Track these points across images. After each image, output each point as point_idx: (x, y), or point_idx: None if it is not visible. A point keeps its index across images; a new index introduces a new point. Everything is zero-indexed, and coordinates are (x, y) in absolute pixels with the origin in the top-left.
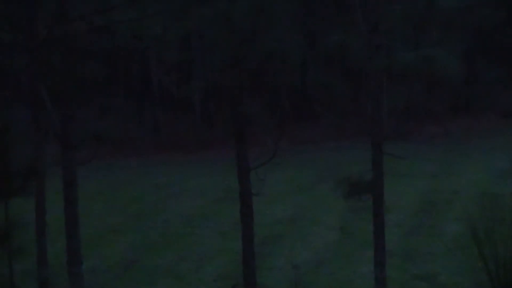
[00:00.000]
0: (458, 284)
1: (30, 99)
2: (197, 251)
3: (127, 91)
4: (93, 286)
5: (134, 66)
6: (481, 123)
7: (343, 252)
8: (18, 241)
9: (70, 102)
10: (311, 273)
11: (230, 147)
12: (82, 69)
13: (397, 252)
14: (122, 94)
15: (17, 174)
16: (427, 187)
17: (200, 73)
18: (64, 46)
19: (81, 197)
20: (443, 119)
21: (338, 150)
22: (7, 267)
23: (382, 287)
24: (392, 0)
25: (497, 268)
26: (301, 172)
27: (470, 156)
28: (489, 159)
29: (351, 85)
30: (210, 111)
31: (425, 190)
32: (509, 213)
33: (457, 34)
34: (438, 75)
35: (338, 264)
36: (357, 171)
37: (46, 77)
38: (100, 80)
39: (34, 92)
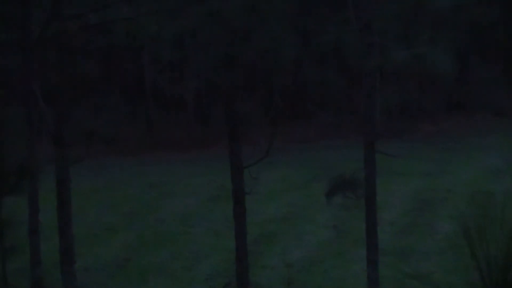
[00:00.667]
0: (451, 283)
1: (24, 98)
2: (190, 249)
3: (121, 90)
4: (86, 284)
5: (128, 65)
6: (474, 122)
7: (336, 250)
8: (11, 240)
9: (63, 100)
10: (304, 272)
11: (223, 146)
12: (76, 68)
13: (390, 250)
14: (115, 93)
15: (10, 173)
16: (420, 185)
17: (193, 71)
18: (58, 45)
19: (74, 195)
20: (436, 118)
21: (332, 149)
22: None
23: (375, 286)
24: None
25: (489, 266)
26: (295, 170)
27: (463, 155)
28: (483, 157)
29: (344, 84)
30: (204, 110)
31: (419, 188)
32: (502, 212)
33: (450, 33)
34: (431, 73)
35: (331, 262)
36: (350, 169)
37: (39, 76)
38: (94, 79)
39: (27, 90)
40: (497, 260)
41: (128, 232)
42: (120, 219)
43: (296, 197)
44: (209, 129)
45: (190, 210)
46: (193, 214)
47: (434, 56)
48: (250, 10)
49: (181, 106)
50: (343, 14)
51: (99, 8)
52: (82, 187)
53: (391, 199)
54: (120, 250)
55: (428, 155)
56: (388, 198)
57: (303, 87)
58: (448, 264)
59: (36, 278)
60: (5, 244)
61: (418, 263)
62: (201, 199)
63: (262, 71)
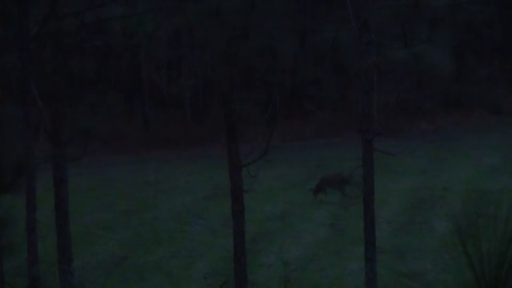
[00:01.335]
0: (448, 281)
1: (20, 96)
2: (187, 248)
3: (118, 88)
4: (83, 283)
5: (125, 63)
6: (471, 120)
7: (333, 248)
8: (8, 238)
9: (60, 99)
10: (301, 270)
11: (220, 144)
12: (73, 66)
13: (387, 249)
14: (112, 91)
15: (7, 171)
16: (417, 183)
17: (190, 70)
18: (55, 43)
19: (71, 194)
20: (433, 116)
21: (329, 147)
22: None
23: (372, 284)
24: None
25: (481, 264)
26: (292, 168)
27: (460, 153)
28: (480, 155)
29: (342, 82)
30: (201, 108)
31: (415, 186)
32: (499, 210)
33: (448, 31)
34: (428, 72)
35: (328, 260)
36: (347, 167)
37: (36, 74)
38: (90, 77)
39: (24, 88)
40: (490, 258)
41: (125, 231)
42: (117, 217)
43: (294, 195)
44: (206, 127)
45: (187, 208)
46: (190, 212)
47: (431, 55)
48: (248, 9)
49: (178, 104)
50: (341, 13)
51: (96, 6)
52: (79, 185)
53: (388, 197)
54: (117, 248)
55: (425, 153)
56: (385, 196)
57: (300, 85)
58: (445, 263)
59: (33, 277)
60: (2, 242)
61: (415, 262)
62: (198, 197)
63: (259, 69)
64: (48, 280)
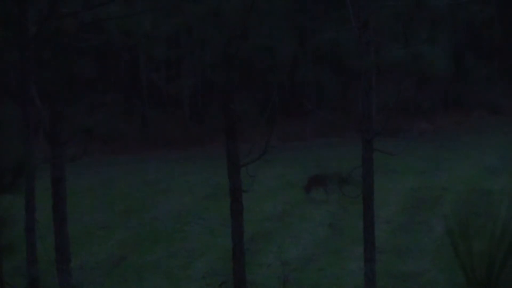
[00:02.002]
0: (447, 281)
1: (19, 96)
2: (186, 247)
3: (117, 88)
4: (82, 283)
5: (124, 63)
6: (470, 120)
7: (332, 248)
8: (6, 238)
9: (59, 99)
10: (300, 270)
11: (219, 144)
12: (72, 66)
13: (386, 249)
14: (111, 91)
15: (6, 171)
16: (416, 183)
17: (189, 70)
18: (54, 43)
19: (70, 193)
20: (432, 116)
21: (328, 147)
22: None
23: (371, 283)
24: None
25: (473, 265)
26: (291, 168)
27: (459, 152)
28: (479, 155)
29: (341, 82)
30: (200, 108)
31: (415, 186)
32: (498, 210)
33: (447, 31)
34: (428, 72)
35: (327, 260)
36: (346, 167)
37: (35, 74)
38: (89, 77)
39: (23, 88)
40: (482, 258)
41: (123, 230)
42: (116, 217)
43: (293, 195)
44: (205, 127)
45: (186, 208)
46: (189, 212)
47: (431, 55)
48: (247, 9)
49: (178, 104)
50: (341, 13)
51: (95, 6)
52: (78, 185)
53: (387, 197)
54: (116, 248)
55: (424, 153)
56: (384, 196)
57: (300, 85)
58: (444, 262)
59: (32, 277)
60: (1, 242)
61: (414, 261)
62: (197, 197)
63: (259, 69)
64: (47, 280)
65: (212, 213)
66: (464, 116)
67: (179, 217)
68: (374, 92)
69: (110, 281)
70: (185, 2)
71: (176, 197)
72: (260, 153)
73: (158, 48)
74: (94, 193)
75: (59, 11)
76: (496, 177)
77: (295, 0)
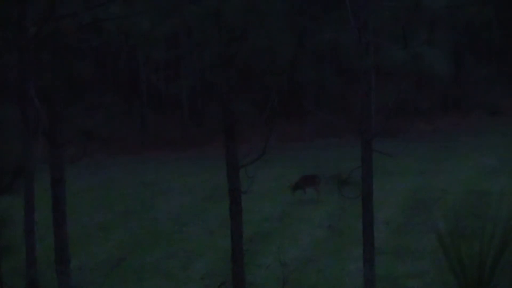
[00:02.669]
0: (446, 282)
1: (19, 97)
2: (185, 248)
3: (115, 89)
4: (80, 284)
5: (123, 64)
6: (469, 121)
7: (331, 249)
8: (6, 239)
9: (58, 99)
10: (299, 271)
11: (218, 145)
12: (71, 67)
13: (385, 249)
14: (110, 92)
15: (6, 172)
16: (415, 184)
17: (188, 70)
18: (53, 44)
19: (69, 195)
20: (432, 117)
21: (327, 148)
22: None
23: (370, 284)
24: None
25: (462, 267)
26: (290, 169)
27: (458, 154)
28: (478, 156)
29: (340, 83)
30: (199, 109)
31: (414, 187)
32: (496, 210)
33: (446, 32)
34: (427, 73)
35: (326, 261)
36: (346, 168)
37: (34, 75)
38: (88, 78)
39: (22, 89)
40: (472, 260)
41: (122, 231)
42: (114, 218)
43: (291, 196)
44: (204, 128)
45: (185, 209)
46: (188, 213)
47: (430, 56)
48: (247, 10)
49: (177, 105)
50: (340, 14)
51: (94, 7)
52: (77, 186)
53: (386, 198)
54: (115, 249)
55: (423, 154)
56: (383, 197)
57: (299, 86)
58: (443, 263)
59: (31, 278)
60: (0, 243)
61: (413, 262)
62: (196, 198)
63: (258, 70)
64: (46, 281)
65: (211, 214)
66: (463, 117)
67: (178, 218)
68: (374, 93)
69: (109, 282)
70: (184, 3)
71: (175, 198)
72: (259, 154)
73: (157, 48)
74: (93, 194)
75: (58, 12)
76: (495, 178)
77: (294, 1)
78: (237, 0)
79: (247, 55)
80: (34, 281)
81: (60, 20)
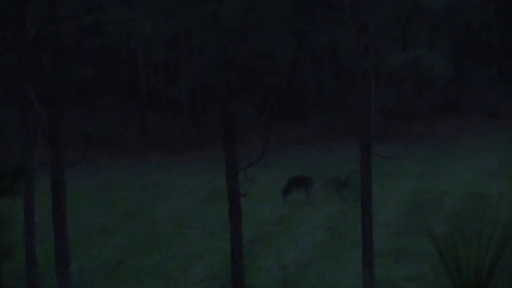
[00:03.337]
0: (446, 285)
1: (18, 99)
2: (184, 251)
3: (115, 91)
4: (80, 286)
5: (123, 67)
6: (469, 123)
7: (331, 252)
8: (6, 241)
9: (58, 102)
10: (299, 273)
11: (218, 147)
12: (71, 70)
13: (385, 252)
14: (110, 94)
15: (6, 174)
16: (415, 187)
17: (188, 73)
18: (53, 46)
19: (69, 197)
20: (431, 119)
21: (326, 150)
22: None
23: (370, 287)
24: (380, 0)
25: (459, 272)
26: (289, 172)
27: (458, 156)
28: (477, 159)
29: (340, 85)
30: (199, 111)
31: (413, 190)
32: (496, 213)
33: (445, 35)
34: (427, 75)
35: (326, 264)
36: (345, 171)
37: (34, 77)
38: (88, 81)
39: (22, 92)
40: (469, 263)
41: (122, 234)
42: (114, 221)
43: (291, 198)
44: (204, 130)
45: (184, 212)
46: (188, 215)
47: (430, 58)
48: (246, 12)
49: (176, 108)
50: (339, 16)
51: (93, 10)
52: (77, 188)
53: (386, 200)
54: (115, 251)
55: (423, 156)
56: (383, 199)
57: (298, 88)
58: (443, 266)
59: (31, 280)
60: (0, 245)
61: (413, 265)
62: (196, 200)
63: (257, 72)
64: (46, 283)
65: (211, 217)
66: (463, 119)
67: (178, 221)
68: (373, 95)
69: (109, 284)
70: (184, 6)
71: (175, 200)
72: (259, 156)
73: (157, 51)
74: (93, 197)
75: (58, 14)
76: (495, 181)
77: (293, 3)
78: (236, 2)
79: (247, 58)
80: (34, 283)
81: (60, 23)
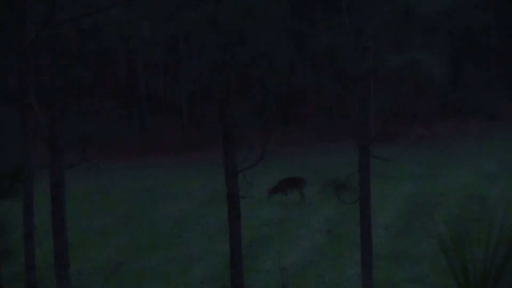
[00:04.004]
0: (445, 286)
1: (18, 101)
2: (184, 253)
3: (115, 93)
4: None
5: (121, 69)
6: (468, 126)
7: (330, 254)
8: (5, 243)
9: (57, 104)
10: (298, 276)
11: (217, 150)
12: (71, 72)
13: (384, 254)
14: (109, 96)
15: (5, 176)
16: (414, 189)
17: (187, 75)
18: (52, 49)
19: (68, 199)
20: (430, 122)
21: (325, 153)
22: None
23: None
24: (378, 3)
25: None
26: (289, 174)
27: (457, 158)
28: (476, 161)
29: (338, 88)
30: (198, 114)
31: (412, 192)
32: (495, 215)
33: (444, 37)
34: (425, 78)
35: (325, 266)
36: (344, 173)
37: (34, 79)
38: (87, 83)
39: (21, 94)
40: (475, 266)
41: (122, 236)
42: (114, 223)
43: (290, 201)
44: (203, 133)
45: (184, 214)
46: (187, 217)
47: (428, 61)
48: (244, 15)
49: (175, 110)
50: (337, 19)
51: (93, 12)
52: (76, 191)
53: (385, 203)
54: (114, 253)
55: (422, 158)
56: (382, 202)
57: (297, 91)
58: (443, 268)
59: (30, 282)
60: None
61: (412, 267)
62: (195, 202)
63: (256, 75)
64: (45, 286)
65: (210, 219)
66: (462, 122)
67: (177, 223)
68: (372, 98)
69: (109, 287)
70: (183, 8)
71: (174, 202)
72: (258, 159)
73: (156, 53)
74: (92, 199)
75: (58, 17)
76: (494, 183)
77: (292, 6)
78: (234, 5)
79: (245, 60)
80: (33, 285)
81: (59, 25)
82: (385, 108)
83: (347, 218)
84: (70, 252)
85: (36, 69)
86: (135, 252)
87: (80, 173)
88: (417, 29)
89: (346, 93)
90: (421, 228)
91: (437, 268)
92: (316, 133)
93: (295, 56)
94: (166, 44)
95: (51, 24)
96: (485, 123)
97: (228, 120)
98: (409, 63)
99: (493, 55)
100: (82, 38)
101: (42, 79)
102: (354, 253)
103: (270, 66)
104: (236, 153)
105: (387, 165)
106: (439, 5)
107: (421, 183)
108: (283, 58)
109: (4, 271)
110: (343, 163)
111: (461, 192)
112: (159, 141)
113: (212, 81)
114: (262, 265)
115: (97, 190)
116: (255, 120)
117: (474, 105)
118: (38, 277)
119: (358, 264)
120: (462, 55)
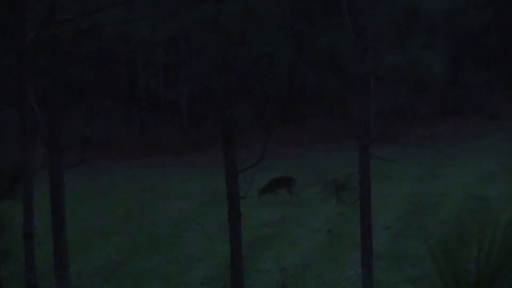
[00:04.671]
0: (445, 287)
1: (17, 102)
2: (184, 253)
3: (114, 94)
4: None
5: (121, 69)
6: (468, 126)
7: (330, 254)
8: (5, 244)
9: (57, 105)
10: (298, 276)
11: (217, 150)
12: (70, 72)
13: (384, 254)
14: (109, 97)
15: (4, 177)
16: (414, 189)
17: (187, 76)
18: (51, 49)
19: (68, 199)
20: (430, 122)
21: (325, 153)
22: None
23: None
24: (379, 3)
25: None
26: (289, 175)
27: (457, 158)
28: (477, 161)
29: (339, 88)
30: (198, 114)
31: (412, 192)
32: (496, 215)
33: (444, 37)
34: (425, 78)
35: (325, 266)
36: (344, 173)
37: (33, 80)
38: (87, 83)
39: (21, 94)
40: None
41: (121, 236)
42: (113, 223)
43: (290, 201)
44: (203, 133)
45: (184, 214)
46: (187, 218)
47: (428, 61)
48: (245, 15)
49: (175, 110)
50: (338, 19)
51: (93, 12)
52: (76, 191)
53: (385, 203)
54: (114, 254)
55: (422, 158)
56: (382, 202)
57: (297, 91)
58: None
59: (30, 283)
60: None
61: (412, 267)
62: (195, 203)
63: (256, 75)
64: (45, 286)
65: (210, 219)
66: (462, 122)
67: (177, 223)
68: (372, 98)
69: (108, 287)
70: (183, 9)
71: (174, 203)
72: (258, 159)
73: (156, 53)
74: (92, 199)
75: (57, 17)
76: (494, 183)
77: (292, 6)
78: (234, 5)
79: (246, 61)
80: (33, 285)
81: (59, 26)
82: (385, 108)
83: (347, 218)
84: (70, 253)
85: (36, 70)
86: (135, 253)
87: (79, 173)
88: (419, 29)
89: (346, 93)
90: (421, 228)
91: (436, 269)
92: (316, 133)
93: (295, 57)
94: (166, 45)
95: (50, 24)
96: (485, 123)
97: (228, 121)
98: (410, 62)
99: (493, 55)
100: (81, 39)
101: (42, 80)
102: (354, 253)
103: (271, 66)
104: (236, 154)
105: (387, 165)
106: (441, 5)
107: (421, 183)
108: (284, 59)
109: (4, 271)
110: (343, 163)
111: (461, 192)
112: (159, 141)
113: (212, 81)
114: (262, 265)
115: (96, 191)
116: (255, 120)
117: (474, 105)
118: (38, 278)
119: (358, 264)
120: (462, 55)
